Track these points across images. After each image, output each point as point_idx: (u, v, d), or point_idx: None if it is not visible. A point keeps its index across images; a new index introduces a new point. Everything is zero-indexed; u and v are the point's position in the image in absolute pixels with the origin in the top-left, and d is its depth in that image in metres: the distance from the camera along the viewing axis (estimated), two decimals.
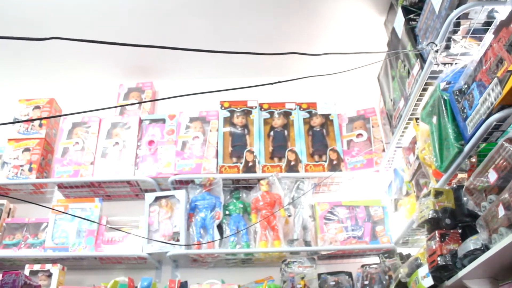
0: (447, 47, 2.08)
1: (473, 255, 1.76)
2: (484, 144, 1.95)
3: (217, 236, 2.97)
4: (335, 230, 3.01)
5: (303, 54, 1.88)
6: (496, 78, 1.62)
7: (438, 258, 1.93)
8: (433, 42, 2.11)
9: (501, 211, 1.57)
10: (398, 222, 2.86)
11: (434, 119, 2.10)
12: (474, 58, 1.83)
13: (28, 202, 1.99)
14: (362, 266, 2.87)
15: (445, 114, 2.00)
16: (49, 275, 2.91)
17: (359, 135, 3.32)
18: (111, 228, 3.02)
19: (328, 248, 2.96)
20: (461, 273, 1.85)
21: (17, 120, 3.51)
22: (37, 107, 3.56)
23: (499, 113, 1.65)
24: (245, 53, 1.50)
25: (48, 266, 2.93)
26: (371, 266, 2.82)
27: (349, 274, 2.88)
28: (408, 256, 2.65)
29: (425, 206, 2.04)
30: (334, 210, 3.07)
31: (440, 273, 1.97)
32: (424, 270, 2.09)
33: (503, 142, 1.59)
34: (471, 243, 1.79)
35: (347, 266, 3.01)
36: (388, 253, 2.85)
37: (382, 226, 3.02)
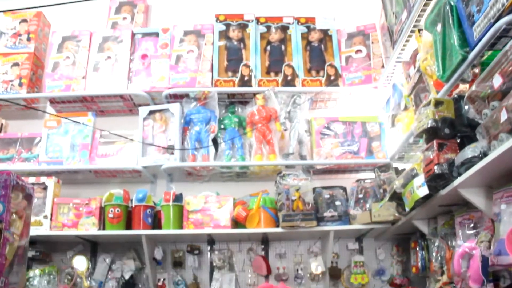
0: None
1: (470, 162, 1.73)
2: (489, 53, 1.88)
3: (212, 149, 2.96)
4: (331, 145, 3.00)
5: None
6: None
7: (435, 167, 1.91)
8: None
9: (504, 116, 1.52)
10: (394, 138, 2.84)
11: (438, 27, 2.01)
12: None
13: (31, 107, 1.91)
14: (357, 180, 2.89)
15: (450, 21, 1.91)
16: (45, 188, 2.93)
17: (358, 51, 3.23)
18: (106, 137, 2.99)
19: (324, 162, 2.96)
20: (456, 182, 1.82)
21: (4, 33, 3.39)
22: (24, 21, 3.43)
23: (510, 15, 1.56)
24: None
25: (43, 179, 2.94)
26: (366, 181, 2.85)
27: (344, 188, 2.92)
28: (404, 170, 2.66)
29: (424, 116, 1.99)
30: (331, 126, 3.05)
31: (436, 182, 1.95)
32: (419, 179, 2.08)
33: None
34: (469, 151, 1.75)
35: (342, 181, 3.04)
36: (383, 167, 2.86)
37: (378, 142, 3.01)
